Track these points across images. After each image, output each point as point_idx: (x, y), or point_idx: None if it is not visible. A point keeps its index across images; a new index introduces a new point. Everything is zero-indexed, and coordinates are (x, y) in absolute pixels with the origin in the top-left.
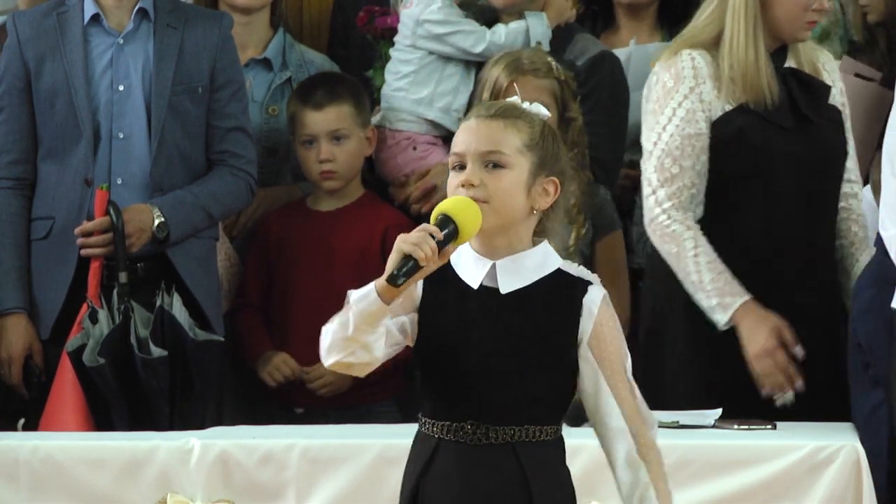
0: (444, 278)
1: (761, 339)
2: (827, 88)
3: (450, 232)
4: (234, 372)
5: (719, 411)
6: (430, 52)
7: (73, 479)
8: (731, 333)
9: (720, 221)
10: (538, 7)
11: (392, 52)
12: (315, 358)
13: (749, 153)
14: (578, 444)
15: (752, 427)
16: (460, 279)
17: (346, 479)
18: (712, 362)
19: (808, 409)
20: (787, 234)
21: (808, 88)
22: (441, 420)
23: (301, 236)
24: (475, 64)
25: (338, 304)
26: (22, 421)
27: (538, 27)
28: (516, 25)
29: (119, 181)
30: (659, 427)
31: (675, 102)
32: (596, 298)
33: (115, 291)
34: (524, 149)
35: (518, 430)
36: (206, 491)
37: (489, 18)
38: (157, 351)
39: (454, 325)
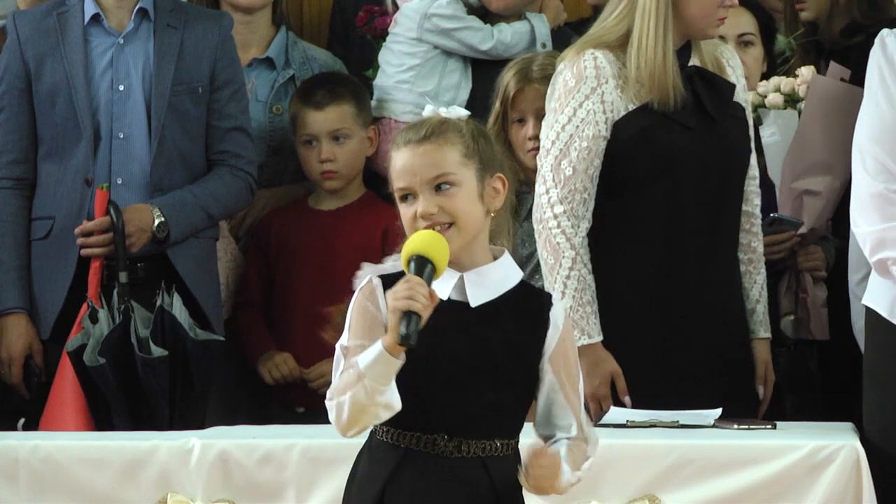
0: None
1: (594, 383)
2: (731, 86)
3: (429, 272)
4: (236, 371)
5: (719, 411)
6: (436, 47)
7: (73, 478)
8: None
9: (623, 221)
10: (535, 10)
11: (391, 44)
12: (315, 355)
13: (652, 153)
14: None
15: (751, 427)
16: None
17: (345, 479)
18: (638, 357)
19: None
20: (690, 234)
21: (712, 87)
22: (410, 431)
23: (302, 235)
24: (472, 60)
25: (338, 303)
26: (22, 421)
27: (542, 28)
28: (520, 25)
29: (119, 181)
30: (659, 427)
31: (576, 102)
32: (560, 312)
33: (115, 291)
34: (464, 160)
35: (488, 444)
36: (206, 491)
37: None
38: (157, 351)
39: (426, 339)
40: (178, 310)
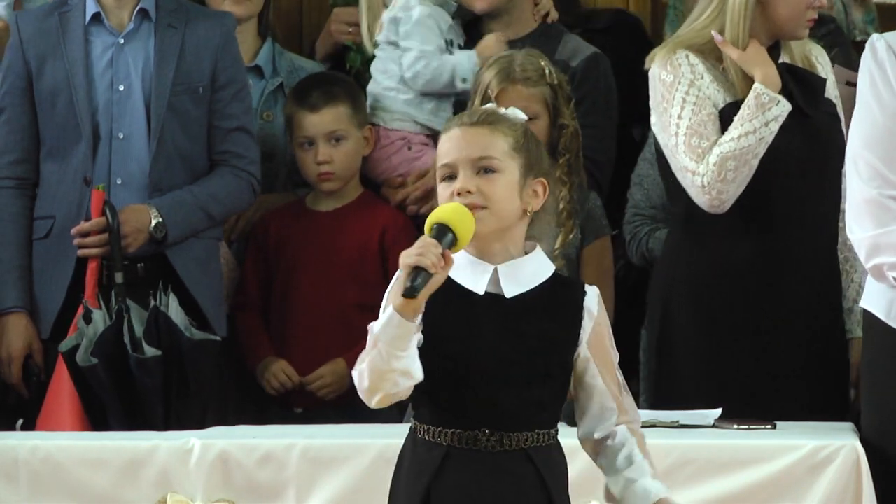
0: (444, 286)
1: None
2: (822, 82)
3: (448, 240)
4: (234, 372)
5: (719, 411)
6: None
7: (72, 478)
8: (740, 328)
9: (722, 224)
10: (517, 11)
11: (378, 51)
12: (314, 359)
13: None
14: (577, 443)
15: (751, 427)
16: (459, 285)
17: (345, 479)
18: (721, 357)
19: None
20: (786, 229)
21: (803, 83)
22: (450, 428)
23: (300, 237)
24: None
25: (337, 303)
26: (20, 421)
27: (465, 64)
28: (442, 61)
29: (119, 181)
30: (659, 427)
31: (682, 92)
32: (594, 299)
33: (112, 291)
34: (512, 152)
35: (530, 436)
36: (206, 491)
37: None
38: (150, 350)
39: (463, 333)
40: (174, 310)
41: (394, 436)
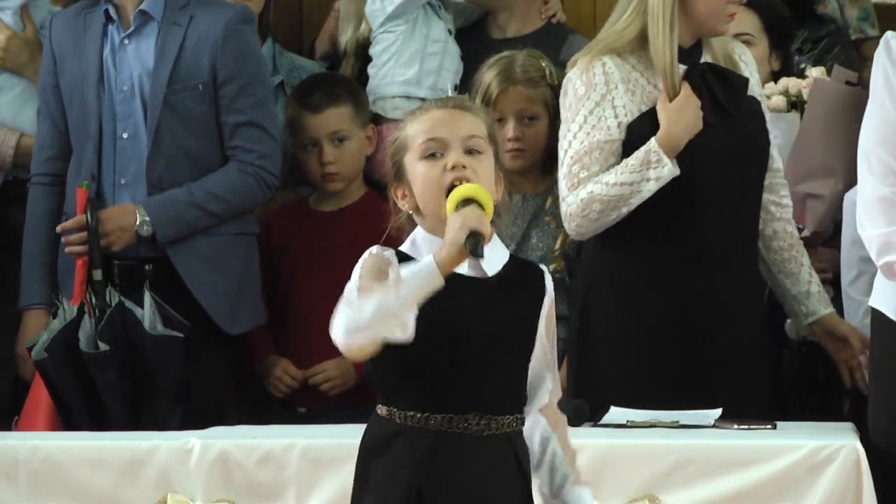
0: None
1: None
2: (745, 81)
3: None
4: (238, 371)
5: (719, 411)
6: (399, 16)
7: (73, 478)
8: (664, 318)
9: (642, 220)
10: (523, 6)
11: (371, 49)
12: (317, 359)
13: None
14: (578, 443)
15: (751, 427)
16: None
17: (345, 479)
18: (647, 354)
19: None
20: (710, 229)
21: (725, 82)
22: (439, 413)
23: (303, 237)
24: (455, 44)
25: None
26: (17, 418)
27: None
28: None
29: (122, 181)
30: (659, 427)
31: (586, 110)
32: (548, 277)
33: (107, 289)
34: (489, 138)
35: (511, 419)
36: (206, 491)
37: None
38: (102, 346)
39: (452, 315)
40: (147, 306)
41: None
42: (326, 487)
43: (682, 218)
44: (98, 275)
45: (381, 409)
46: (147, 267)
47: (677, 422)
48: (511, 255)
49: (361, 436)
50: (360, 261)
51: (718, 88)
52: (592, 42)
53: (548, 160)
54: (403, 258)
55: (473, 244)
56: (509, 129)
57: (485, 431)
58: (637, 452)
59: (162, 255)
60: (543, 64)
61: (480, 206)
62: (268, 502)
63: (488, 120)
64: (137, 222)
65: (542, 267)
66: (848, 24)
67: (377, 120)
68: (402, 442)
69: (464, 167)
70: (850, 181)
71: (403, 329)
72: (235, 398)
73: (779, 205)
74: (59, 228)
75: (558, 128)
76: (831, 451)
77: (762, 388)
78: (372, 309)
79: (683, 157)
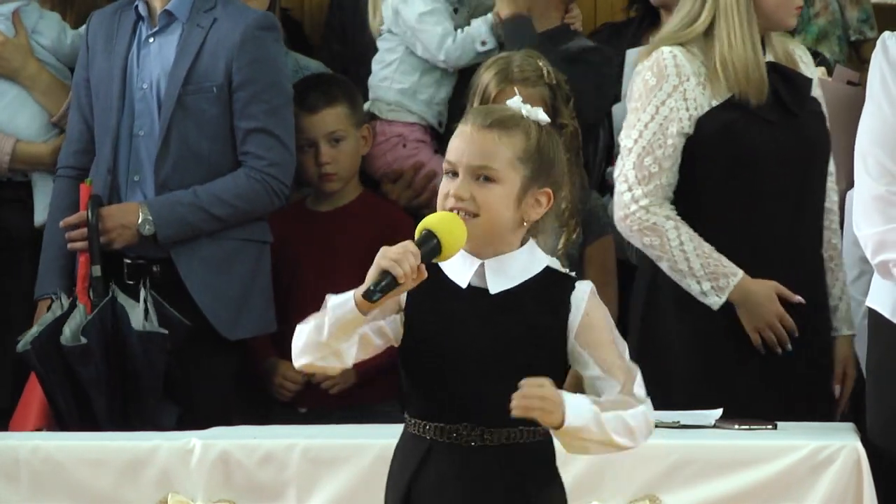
0: (430, 277)
1: (761, 313)
2: (808, 81)
3: (432, 248)
4: (238, 372)
5: (720, 411)
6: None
7: (73, 479)
8: (727, 330)
9: (704, 218)
10: (542, 6)
11: (379, 41)
12: None
13: (735, 148)
14: None
15: (752, 427)
16: (446, 277)
17: (346, 479)
18: (708, 359)
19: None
20: (772, 230)
21: (789, 82)
22: (433, 422)
23: (301, 237)
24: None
25: None
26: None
27: (481, 27)
28: (464, 33)
29: (136, 178)
30: (660, 427)
31: (658, 101)
32: (583, 293)
33: (109, 285)
34: (517, 162)
35: (513, 432)
36: (207, 491)
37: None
38: (82, 339)
39: (445, 326)
40: (143, 302)
41: (395, 436)
42: (327, 487)
43: (745, 220)
44: (97, 271)
45: (406, 413)
46: (155, 267)
47: (678, 422)
48: (549, 270)
49: None
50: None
51: (782, 87)
52: (658, 36)
53: None
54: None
55: (374, 284)
56: None
57: (477, 443)
58: (638, 452)
59: (170, 256)
60: (541, 63)
61: (439, 239)
62: (269, 502)
63: (529, 140)
64: (140, 221)
65: (579, 283)
66: (848, 24)
67: (373, 116)
68: (408, 445)
69: (462, 199)
70: (852, 181)
71: (337, 357)
72: (236, 400)
73: (829, 211)
74: (62, 224)
75: (558, 127)
76: (832, 451)
77: (826, 395)
78: (305, 337)
79: (747, 154)
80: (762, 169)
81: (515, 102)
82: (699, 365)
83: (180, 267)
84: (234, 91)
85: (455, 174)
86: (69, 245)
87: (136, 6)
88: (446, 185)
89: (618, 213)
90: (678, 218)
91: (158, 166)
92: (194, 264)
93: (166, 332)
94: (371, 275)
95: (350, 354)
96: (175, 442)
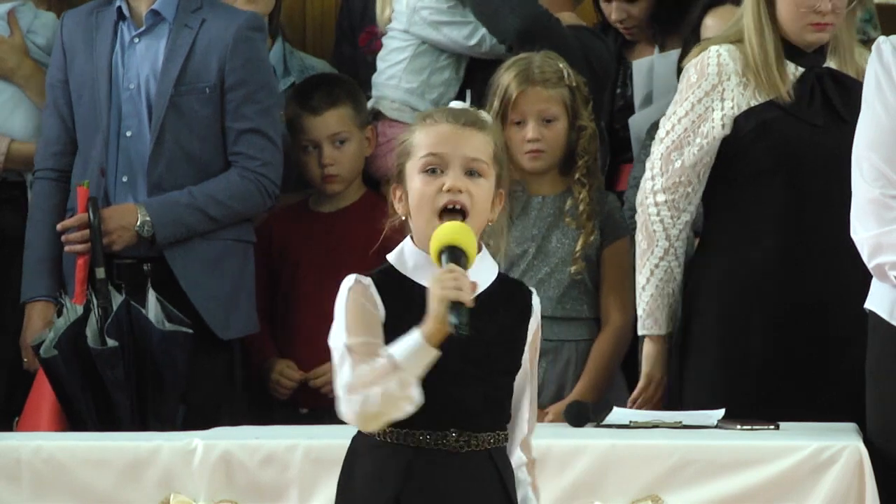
0: (402, 288)
1: (653, 368)
2: (862, 87)
3: (463, 264)
4: (231, 372)
5: (722, 411)
6: (424, 42)
7: (75, 479)
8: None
9: (741, 216)
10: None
11: (385, 39)
12: (318, 360)
13: (770, 147)
14: (579, 444)
15: (754, 427)
16: (419, 287)
17: None
18: (751, 361)
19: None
20: (812, 233)
21: (842, 87)
22: (418, 430)
23: (303, 238)
24: (466, 57)
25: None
26: (17, 419)
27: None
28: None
29: (124, 179)
30: (662, 427)
31: (695, 98)
32: (537, 302)
33: (107, 286)
34: (493, 160)
35: (493, 436)
36: (209, 491)
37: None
38: (110, 342)
39: None
40: (152, 304)
41: None
42: (329, 488)
43: (791, 222)
44: (101, 273)
45: None
46: (146, 266)
47: (680, 422)
48: (500, 274)
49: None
50: (341, 297)
51: (834, 92)
52: (716, 34)
53: (567, 162)
54: (388, 276)
55: (457, 318)
56: (529, 130)
57: (464, 448)
58: (640, 453)
59: (160, 256)
60: (561, 65)
61: (464, 252)
62: (270, 503)
63: (499, 140)
64: (139, 222)
65: (531, 289)
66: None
67: (376, 115)
68: (382, 455)
69: (460, 191)
70: None
71: (412, 402)
72: (232, 400)
73: None
74: (59, 226)
75: (577, 129)
76: (834, 451)
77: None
78: (378, 400)
79: (784, 154)
80: (804, 170)
81: (474, 108)
82: (739, 361)
83: (175, 267)
84: (226, 91)
85: (439, 170)
86: (66, 248)
87: (119, 7)
88: (432, 181)
89: (638, 196)
90: (677, 237)
91: (151, 167)
92: (189, 265)
93: (190, 331)
94: (437, 311)
95: (418, 393)
96: (177, 442)
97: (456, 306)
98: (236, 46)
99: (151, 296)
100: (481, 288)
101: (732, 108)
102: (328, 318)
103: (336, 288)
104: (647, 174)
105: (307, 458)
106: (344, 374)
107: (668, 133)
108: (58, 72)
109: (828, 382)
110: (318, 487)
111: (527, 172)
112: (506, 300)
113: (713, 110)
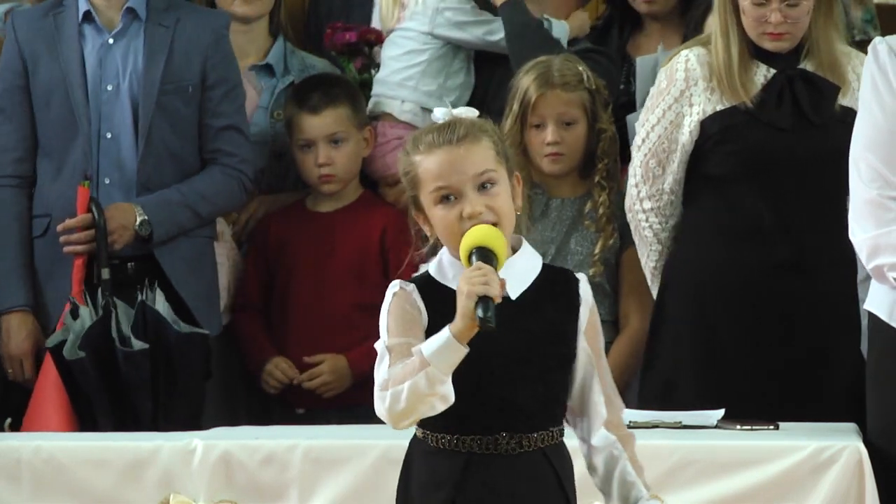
0: (442, 295)
1: None
2: (835, 89)
3: (492, 263)
4: (236, 372)
5: (722, 412)
6: (447, 42)
7: (75, 479)
8: (735, 336)
9: (710, 219)
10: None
11: (398, 38)
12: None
13: (735, 151)
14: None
15: (754, 427)
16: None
17: (348, 480)
18: (716, 362)
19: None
20: (786, 233)
21: (814, 89)
22: (469, 435)
23: (300, 238)
24: (475, 61)
25: (337, 304)
26: (8, 420)
27: (559, 27)
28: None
29: (107, 181)
30: (661, 427)
31: (665, 105)
32: (587, 287)
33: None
34: (498, 158)
35: (546, 434)
36: (209, 491)
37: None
38: (138, 344)
39: (476, 339)
40: (161, 304)
41: (396, 436)
42: (329, 488)
43: (760, 224)
44: (106, 273)
45: (418, 431)
46: (129, 265)
47: (680, 422)
48: (544, 265)
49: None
50: (386, 303)
51: (804, 95)
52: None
53: (586, 164)
54: (429, 284)
55: (483, 311)
56: (549, 133)
57: (516, 450)
58: (640, 453)
59: (143, 256)
60: (580, 68)
61: (493, 252)
62: (270, 503)
63: (496, 136)
64: (137, 222)
65: (579, 275)
66: (852, 24)
67: (377, 115)
68: (437, 462)
69: (480, 213)
70: None
71: (444, 401)
72: (213, 400)
73: None
74: (60, 227)
75: (596, 132)
76: (834, 451)
77: (845, 394)
78: (406, 396)
79: (749, 158)
80: (772, 174)
81: (443, 114)
82: (709, 358)
83: (164, 265)
84: (207, 89)
85: (453, 197)
86: (66, 249)
87: (87, 10)
88: (450, 210)
89: (626, 202)
90: (669, 242)
91: (141, 167)
92: (176, 262)
93: (206, 332)
94: (466, 307)
95: (452, 390)
96: (177, 442)
97: (484, 301)
98: (217, 45)
99: (160, 296)
100: (524, 286)
101: (699, 113)
102: (325, 318)
103: (332, 288)
104: (632, 181)
105: (307, 458)
106: (381, 372)
107: (643, 140)
108: (16, 78)
109: (797, 386)
110: (317, 487)
111: (546, 175)
112: (552, 294)
113: (683, 116)
